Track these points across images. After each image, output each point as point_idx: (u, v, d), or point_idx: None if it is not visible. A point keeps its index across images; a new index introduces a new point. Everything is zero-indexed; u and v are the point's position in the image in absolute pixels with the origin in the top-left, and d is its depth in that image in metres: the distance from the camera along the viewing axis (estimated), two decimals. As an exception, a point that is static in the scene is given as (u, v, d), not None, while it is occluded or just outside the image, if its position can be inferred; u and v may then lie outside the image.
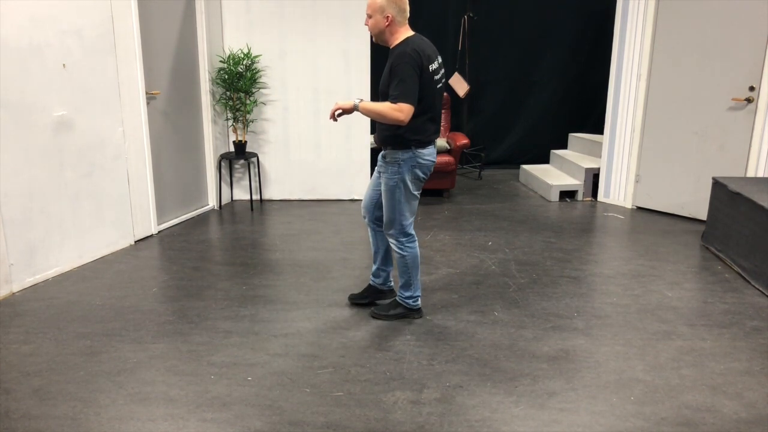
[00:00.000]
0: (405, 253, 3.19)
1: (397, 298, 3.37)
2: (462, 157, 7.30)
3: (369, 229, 3.44)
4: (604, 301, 3.60)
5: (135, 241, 4.60)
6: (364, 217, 3.40)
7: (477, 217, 5.35)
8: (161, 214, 4.92)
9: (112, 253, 4.36)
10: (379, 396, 2.62)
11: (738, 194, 4.04)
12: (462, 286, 3.81)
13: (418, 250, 3.23)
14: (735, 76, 4.73)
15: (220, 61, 5.43)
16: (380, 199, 3.24)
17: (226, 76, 5.33)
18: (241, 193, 5.93)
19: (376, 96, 6.32)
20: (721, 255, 4.29)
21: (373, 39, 3.11)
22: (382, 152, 3.13)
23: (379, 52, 6.72)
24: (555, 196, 5.96)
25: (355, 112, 3.09)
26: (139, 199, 4.60)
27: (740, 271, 3.99)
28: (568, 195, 6.04)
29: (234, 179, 5.91)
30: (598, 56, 6.85)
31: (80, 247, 4.09)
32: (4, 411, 2.49)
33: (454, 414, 2.49)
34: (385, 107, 2.90)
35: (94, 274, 3.97)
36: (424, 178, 3.13)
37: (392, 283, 3.52)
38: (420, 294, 3.36)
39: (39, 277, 3.80)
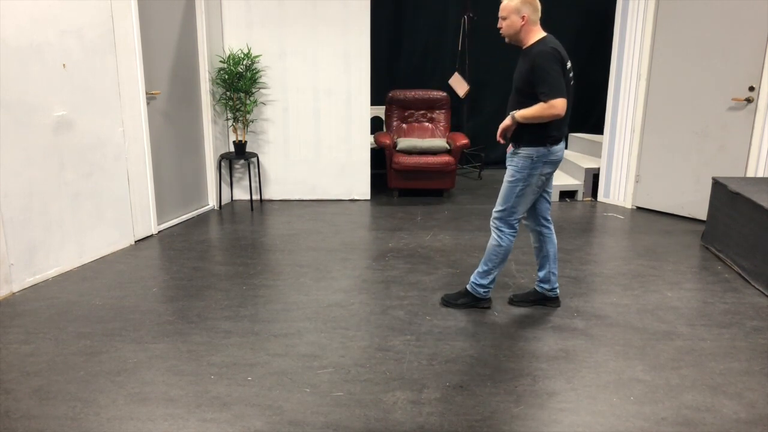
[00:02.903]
0: (503, 243, 3.29)
1: (468, 286, 3.46)
2: (462, 157, 7.30)
3: (532, 234, 3.44)
4: (604, 301, 3.60)
5: (135, 241, 4.60)
6: (525, 223, 3.42)
7: (477, 217, 5.34)
8: (161, 214, 4.92)
9: (112, 253, 4.36)
10: (379, 396, 2.62)
11: (738, 194, 4.04)
12: (462, 286, 3.81)
13: (512, 245, 3.30)
14: (735, 76, 4.73)
15: (220, 61, 5.43)
16: (539, 202, 3.33)
17: (226, 76, 5.33)
18: (241, 193, 5.93)
19: (375, 94, 6.33)
20: (721, 255, 4.28)
21: (506, 40, 3.18)
22: (514, 149, 3.20)
23: (380, 52, 6.76)
24: (555, 196, 5.96)
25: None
26: (139, 199, 4.60)
27: (740, 271, 3.99)
28: (568, 195, 6.04)
29: (234, 179, 5.91)
30: (598, 56, 6.85)
31: (80, 247, 4.09)
32: (4, 411, 2.49)
33: (454, 414, 2.49)
34: (538, 110, 2.98)
35: (94, 274, 3.97)
36: (550, 174, 3.21)
37: (558, 290, 3.52)
38: (493, 286, 3.44)
39: (39, 277, 3.80)
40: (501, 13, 3.11)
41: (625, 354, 2.99)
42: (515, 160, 3.19)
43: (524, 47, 3.13)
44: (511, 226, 3.27)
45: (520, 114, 3.05)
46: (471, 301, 3.46)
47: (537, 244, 3.44)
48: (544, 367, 2.86)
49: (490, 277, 3.39)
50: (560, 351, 3.01)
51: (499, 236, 3.29)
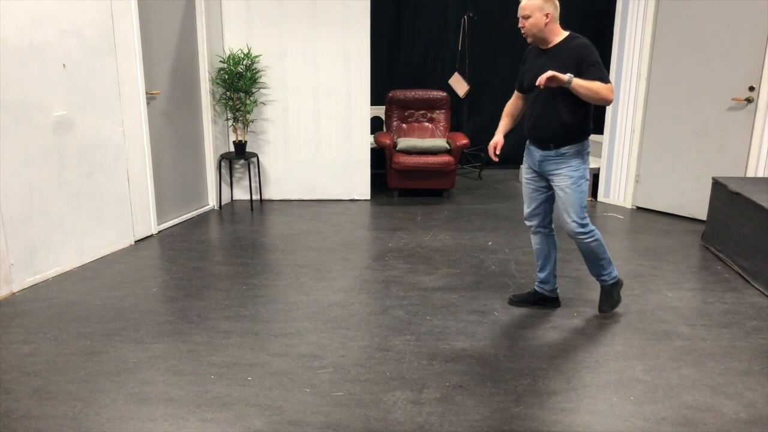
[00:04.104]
0: (597, 237, 3.22)
1: (604, 285, 3.37)
2: (462, 157, 7.29)
3: (537, 236, 3.42)
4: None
5: (135, 241, 4.60)
6: (531, 225, 3.41)
7: (477, 217, 5.35)
8: (161, 214, 4.92)
9: (112, 253, 4.36)
10: (379, 396, 2.62)
11: (738, 194, 4.04)
12: (462, 286, 3.81)
13: (599, 232, 3.27)
14: (735, 76, 4.73)
15: (220, 61, 5.43)
16: (547, 202, 3.34)
17: (226, 76, 5.33)
18: (241, 193, 5.93)
19: (375, 94, 6.30)
20: (721, 255, 4.28)
21: (528, 39, 3.16)
22: (555, 150, 3.15)
23: (380, 52, 6.75)
24: (555, 196, 5.96)
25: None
26: (139, 199, 4.60)
27: (740, 271, 3.99)
28: (568, 195, 6.03)
29: (234, 179, 5.91)
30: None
31: (80, 247, 4.09)
32: (4, 411, 2.49)
33: (454, 414, 2.49)
34: (599, 86, 2.94)
35: (94, 274, 3.97)
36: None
37: (558, 290, 3.53)
38: (611, 266, 3.36)
39: (39, 277, 3.80)
40: (523, 12, 3.08)
41: (625, 354, 2.99)
42: (566, 161, 3.14)
43: (548, 46, 3.11)
44: (588, 221, 3.21)
45: (578, 81, 2.93)
46: (618, 290, 3.39)
47: (540, 246, 3.43)
48: (544, 367, 2.86)
49: (610, 264, 3.31)
50: (560, 351, 3.01)
51: (590, 236, 3.19)
